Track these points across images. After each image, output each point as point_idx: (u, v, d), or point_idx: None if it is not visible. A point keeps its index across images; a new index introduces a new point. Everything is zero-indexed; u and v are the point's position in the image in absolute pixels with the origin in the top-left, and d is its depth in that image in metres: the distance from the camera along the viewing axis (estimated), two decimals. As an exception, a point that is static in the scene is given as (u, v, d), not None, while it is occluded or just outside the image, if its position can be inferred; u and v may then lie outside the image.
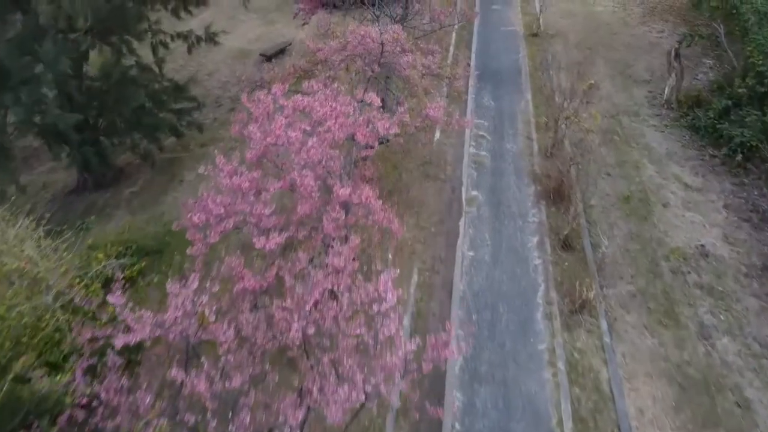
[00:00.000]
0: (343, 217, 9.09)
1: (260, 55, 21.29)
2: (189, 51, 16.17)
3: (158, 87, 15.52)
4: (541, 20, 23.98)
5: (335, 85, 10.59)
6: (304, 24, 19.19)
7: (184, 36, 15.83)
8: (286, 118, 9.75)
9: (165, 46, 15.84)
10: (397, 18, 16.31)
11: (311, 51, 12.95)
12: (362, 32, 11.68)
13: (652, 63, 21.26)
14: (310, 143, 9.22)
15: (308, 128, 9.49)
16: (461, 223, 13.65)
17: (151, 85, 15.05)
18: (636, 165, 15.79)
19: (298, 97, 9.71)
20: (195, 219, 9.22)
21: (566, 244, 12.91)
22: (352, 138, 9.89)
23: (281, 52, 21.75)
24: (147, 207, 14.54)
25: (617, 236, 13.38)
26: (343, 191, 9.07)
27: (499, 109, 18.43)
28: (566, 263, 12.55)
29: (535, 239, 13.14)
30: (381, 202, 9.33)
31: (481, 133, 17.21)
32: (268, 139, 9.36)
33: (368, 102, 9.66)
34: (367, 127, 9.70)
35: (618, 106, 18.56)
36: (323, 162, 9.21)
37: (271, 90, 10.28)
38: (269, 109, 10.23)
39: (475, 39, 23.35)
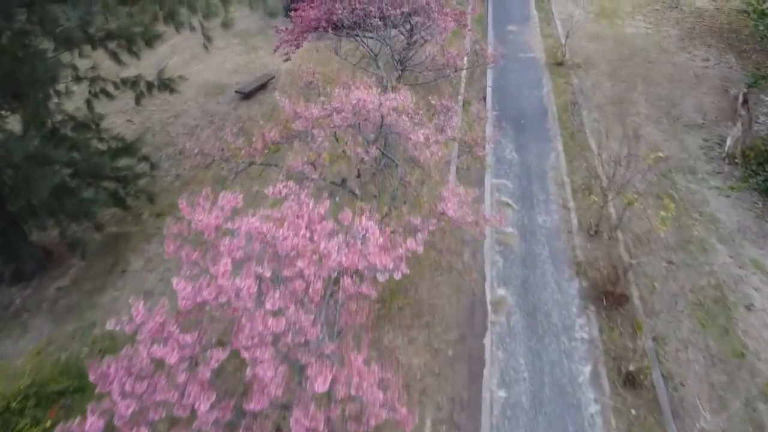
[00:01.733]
0: (321, 424, 5.76)
1: (236, 92, 17.93)
2: (137, 101, 12.82)
3: (98, 148, 12.18)
4: (566, 47, 20.64)
5: (313, 183, 7.26)
6: (286, 60, 15.85)
7: (131, 82, 12.48)
8: (238, 250, 6.41)
9: (107, 95, 12.50)
10: (399, 56, 12.97)
11: (288, 115, 9.59)
12: (355, 98, 8.34)
13: (702, 101, 17.95)
14: (269, 304, 5.88)
15: (268, 273, 6.15)
16: (487, 341, 10.31)
17: (87, 147, 11.70)
18: (703, 246, 12.45)
19: (254, 221, 6.36)
20: (89, 425, 5.90)
21: (629, 378, 9.58)
22: (337, 278, 6.55)
23: (262, 87, 18.39)
24: (76, 311, 11.18)
25: (694, 362, 10.05)
26: (320, 381, 5.75)
27: (525, 165, 15.10)
28: (633, 410, 9.21)
29: (587, 369, 9.80)
30: (382, 392, 6.00)
31: (504, 198, 13.88)
32: (205, 294, 6.02)
33: (363, 231, 6.31)
34: (361, 260, 6.36)
35: (669, 160, 15.21)
36: (291, 334, 5.88)
37: (218, 199, 6.97)
38: (218, 223, 6.91)
39: (491, 70, 19.99)
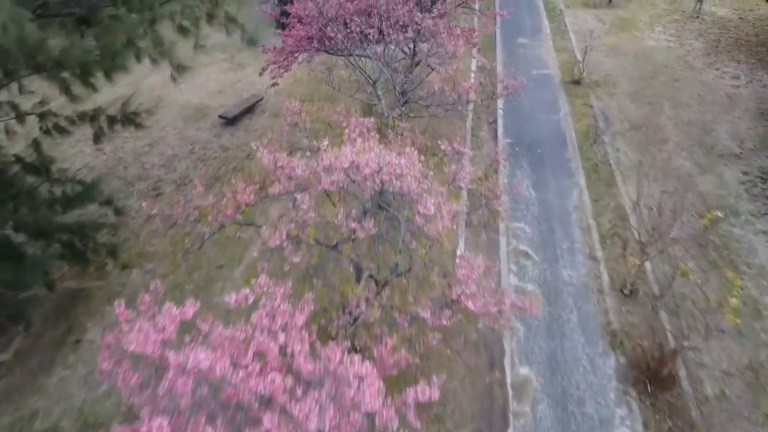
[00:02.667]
0: None
1: (220, 117, 16.13)
2: (96, 140, 11.01)
3: (51, 192, 10.41)
4: (583, 63, 18.84)
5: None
6: (273, 84, 14.05)
7: (89, 117, 10.69)
8: (182, 396, 4.62)
9: (61, 131, 10.71)
10: (401, 87, 11.15)
11: (268, 167, 7.81)
12: (347, 160, 6.56)
13: (737, 127, 16.17)
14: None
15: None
16: (509, 440, 8.53)
17: (34, 196, 9.92)
18: (756, 308, 10.65)
19: (203, 357, 4.57)
20: None
21: (687, 495, 7.81)
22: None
23: (249, 110, 16.61)
24: (16, 396, 9.38)
25: (762, 467, 8.28)
26: None
27: (544, 204, 13.31)
28: None
29: (634, 481, 8.03)
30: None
31: (522, 247, 12.09)
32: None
33: (356, 380, 4.52)
34: (352, 411, 4.57)
35: (707, 198, 13.42)
36: None
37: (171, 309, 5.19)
38: (160, 341, 5.13)
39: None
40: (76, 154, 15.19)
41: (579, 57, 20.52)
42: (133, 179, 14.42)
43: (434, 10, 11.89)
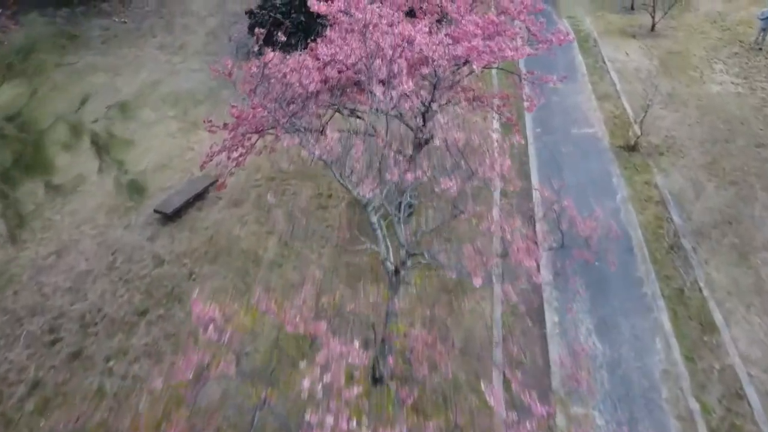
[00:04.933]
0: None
1: (155, 211, 11.80)
2: None
3: None
4: (641, 123, 14.57)
5: None
6: (221, 184, 9.78)
7: None
8: None
9: None
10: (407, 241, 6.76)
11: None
12: None
13: None
14: None
15: None
16: None
17: None
18: None
19: None
20: None
21: None
22: None
23: (199, 197, 12.29)
24: None
25: None
26: None
27: (616, 367, 9.00)
28: None
29: None
30: None
31: (594, 459, 7.82)
32: None
33: None
34: None
35: None
36: None
37: None
38: None
39: (535, 162, 13.98)
40: (-51, 270, 10.91)
41: (628, 107, 16.30)
42: (25, 313, 10.11)
43: (458, 88, 7.61)
